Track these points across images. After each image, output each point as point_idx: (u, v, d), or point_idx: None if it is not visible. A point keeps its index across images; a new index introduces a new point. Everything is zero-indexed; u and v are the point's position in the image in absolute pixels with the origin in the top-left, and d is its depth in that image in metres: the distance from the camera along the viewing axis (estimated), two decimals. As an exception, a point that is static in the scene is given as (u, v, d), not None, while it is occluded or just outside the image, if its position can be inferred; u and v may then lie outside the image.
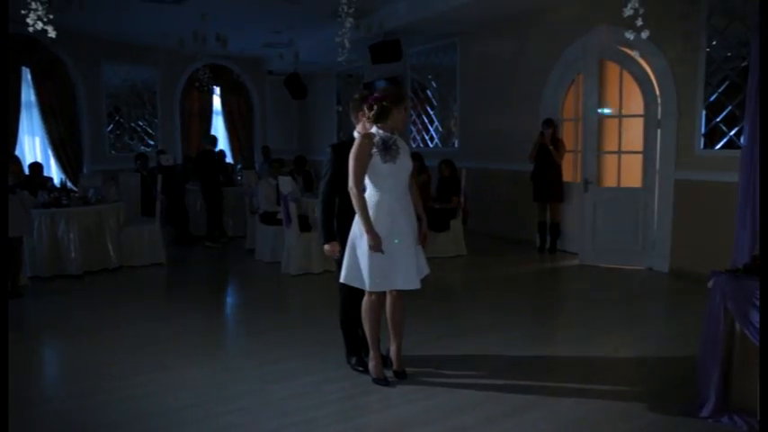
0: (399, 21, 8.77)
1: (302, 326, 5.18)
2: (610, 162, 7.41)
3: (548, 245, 8.04)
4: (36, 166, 8.93)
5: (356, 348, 4.02)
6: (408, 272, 3.54)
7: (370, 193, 3.55)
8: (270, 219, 7.55)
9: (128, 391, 3.66)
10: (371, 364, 3.77)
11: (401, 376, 3.79)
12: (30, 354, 4.58)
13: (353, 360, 3.99)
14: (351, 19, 5.61)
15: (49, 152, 10.92)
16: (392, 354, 3.83)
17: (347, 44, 5.74)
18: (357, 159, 3.46)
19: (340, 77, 13.14)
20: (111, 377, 3.92)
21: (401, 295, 3.72)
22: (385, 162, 3.46)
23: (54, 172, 10.79)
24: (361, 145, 3.47)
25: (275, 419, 3.29)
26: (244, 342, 4.73)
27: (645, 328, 4.94)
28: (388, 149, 3.47)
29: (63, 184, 9.25)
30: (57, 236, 6.76)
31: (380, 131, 3.53)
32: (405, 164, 3.56)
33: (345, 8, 5.50)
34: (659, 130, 6.75)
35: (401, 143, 3.59)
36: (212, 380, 3.86)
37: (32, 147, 10.90)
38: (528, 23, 8.36)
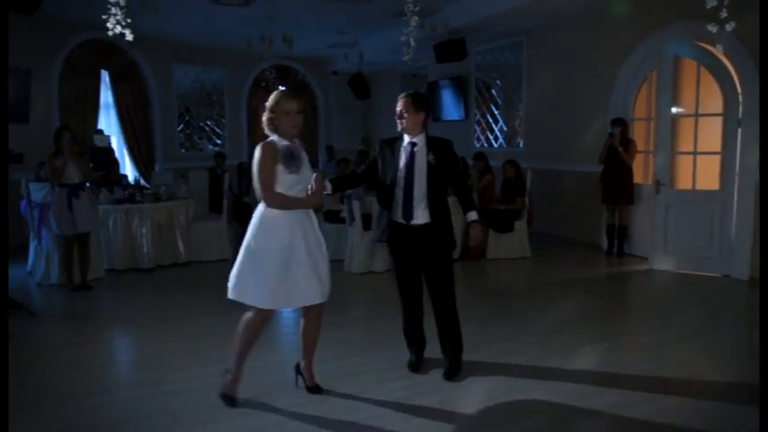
0: (464, 19, 8.67)
1: (364, 324, 5.20)
2: (684, 163, 7.08)
3: (615, 248, 7.78)
4: (113, 164, 9.35)
5: (413, 347, 4.03)
6: (309, 286, 3.33)
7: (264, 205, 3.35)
8: (333, 217, 7.62)
9: (188, 383, 3.76)
10: (228, 379, 3.51)
11: (315, 391, 3.61)
12: (99, 343, 4.80)
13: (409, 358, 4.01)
14: (416, 18, 5.58)
15: (125, 150, 11.39)
16: (303, 368, 3.68)
17: (412, 43, 5.71)
18: (262, 168, 3.25)
19: (404, 77, 13.12)
20: (173, 368, 4.06)
21: (321, 308, 3.53)
22: (291, 173, 3.27)
23: (129, 169, 11.25)
24: (263, 154, 3.25)
25: (335, 416, 3.32)
26: (306, 339, 4.78)
27: (719, 338, 4.68)
28: (293, 159, 3.28)
29: (137, 181, 9.67)
30: (131, 231, 7.05)
31: (281, 141, 3.32)
32: (306, 174, 3.37)
33: (411, 7, 5.47)
34: (740, 130, 6.40)
35: (303, 153, 3.40)
36: (273, 375, 3.91)
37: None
38: (598, 19, 8.10)
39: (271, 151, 3.27)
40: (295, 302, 3.42)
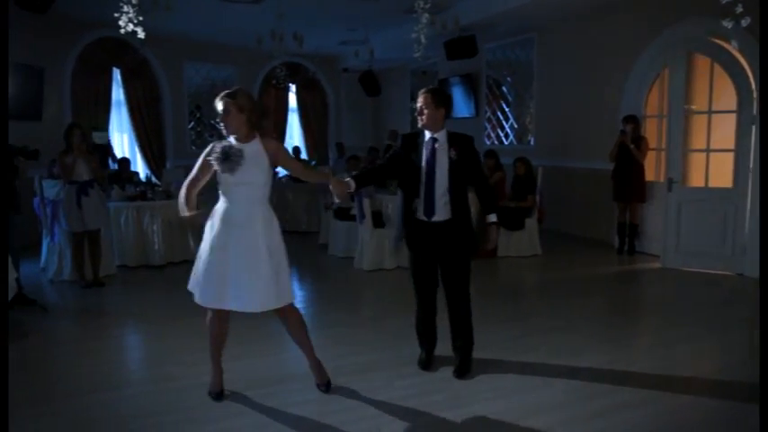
0: (475, 16, 8.63)
1: (374, 321, 5.20)
2: (697, 161, 7.02)
3: (627, 246, 7.73)
4: (124, 162, 9.41)
5: (425, 344, 4.02)
6: (242, 292, 3.27)
7: (219, 201, 3.42)
8: (344, 214, 7.62)
9: (197, 379, 3.76)
10: (210, 377, 3.60)
11: (325, 388, 3.60)
12: (109, 339, 4.84)
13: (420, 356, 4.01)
14: (427, 15, 5.57)
15: (136, 148, 11.45)
16: (311, 368, 3.67)
17: (423, 40, 5.70)
18: (199, 164, 3.44)
19: (414, 74, 13.11)
20: (182, 364, 4.07)
21: (293, 313, 3.56)
22: (222, 172, 3.29)
23: (140, 167, 11.31)
24: (207, 151, 3.41)
25: (342, 414, 3.32)
26: (315, 336, 4.72)
27: (730, 338, 4.63)
28: (226, 159, 3.26)
29: (148, 178, 9.71)
30: (142, 228, 7.09)
31: (232, 140, 3.40)
32: (247, 176, 3.30)
33: (422, 4, 5.46)
34: (754, 127, 6.33)
35: (253, 153, 3.33)
36: (281, 371, 3.93)
37: (121, 143, 11.45)
38: (609, 15, 8.03)
39: (209, 148, 3.41)
40: (226, 304, 3.35)
